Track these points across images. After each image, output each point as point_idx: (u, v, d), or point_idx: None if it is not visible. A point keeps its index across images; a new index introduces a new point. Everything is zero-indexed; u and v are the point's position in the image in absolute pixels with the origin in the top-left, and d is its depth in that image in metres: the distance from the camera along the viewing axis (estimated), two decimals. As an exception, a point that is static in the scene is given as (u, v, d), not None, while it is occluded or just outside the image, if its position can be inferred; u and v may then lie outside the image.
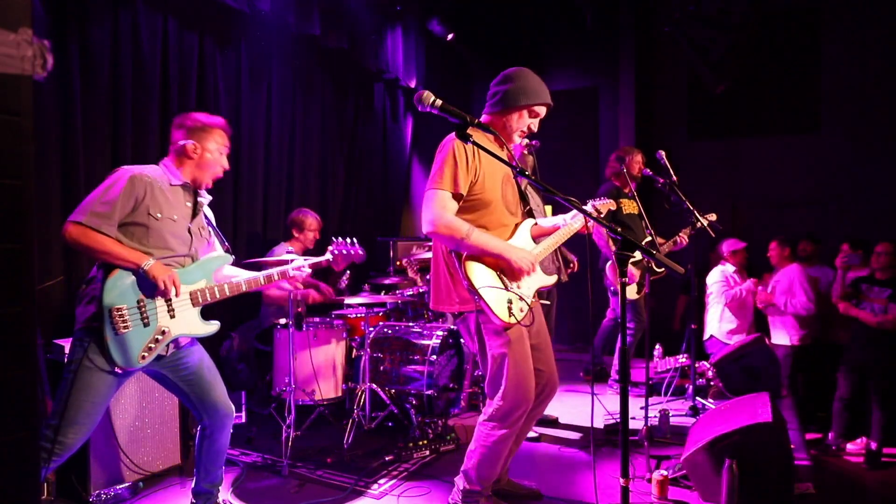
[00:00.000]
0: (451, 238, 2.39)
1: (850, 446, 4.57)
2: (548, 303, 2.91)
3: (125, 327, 2.23)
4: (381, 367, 4.04)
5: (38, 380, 2.69)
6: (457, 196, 2.44)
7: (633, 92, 6.83)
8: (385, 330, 4.19)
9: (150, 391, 3.07)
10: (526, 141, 3.43)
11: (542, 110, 2.63)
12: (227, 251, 2.62)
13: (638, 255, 4.49)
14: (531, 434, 3.76)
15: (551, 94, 2.65)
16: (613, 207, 3.18)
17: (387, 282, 4.95)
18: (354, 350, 4.19)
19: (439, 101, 2.14)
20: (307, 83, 5.46)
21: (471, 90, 7.83)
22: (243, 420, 3.95)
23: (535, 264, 2.51)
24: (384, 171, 6.64)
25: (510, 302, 2.45)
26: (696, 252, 4.29)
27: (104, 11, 3.71)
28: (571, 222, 2.78)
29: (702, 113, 7.11)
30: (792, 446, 2.81)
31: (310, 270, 2.81)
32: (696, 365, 4.45)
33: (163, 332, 2.33)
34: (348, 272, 4.50)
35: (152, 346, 2.30)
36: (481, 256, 2.45)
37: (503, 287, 2.46)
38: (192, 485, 2.61)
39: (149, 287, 2.29)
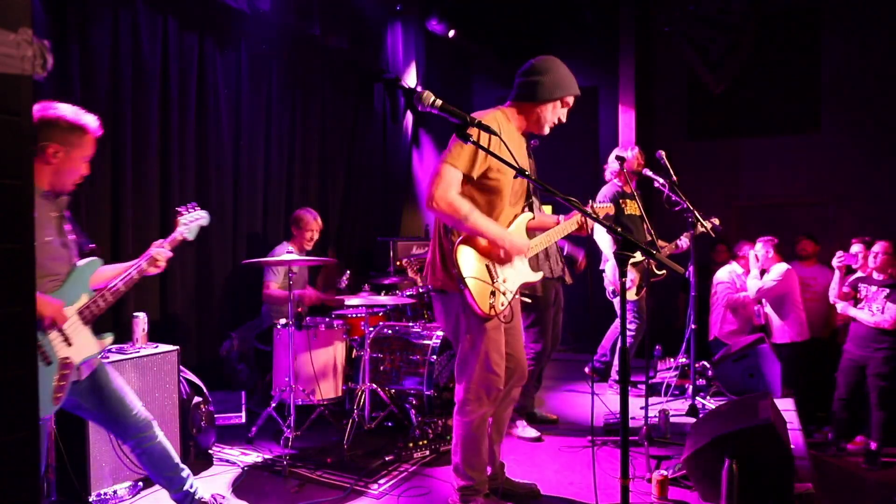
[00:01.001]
0: (451, 216, 2.41)
1: (850, 446, 4.57)
2: (529, 301, 2.92)
3: None
4: (381, 367, 4.04)
5: (37, 380, 2.68)
6: (466, 177, 2.44)
7: (633, 92, 6.84)
8: (385, 330, 4.19)
9: (150, 391, 3.07)
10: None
11: (572, 100, 2.64)
12: (91, 251, 2.40)
13: (638, 256, 4.54)
14: (532, 433, 3.76)
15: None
16: (612, 212, 3.20)
17: (387, 282, 4.95)
18: (354, 350, 4.19)
19: (439, 101, 2.14)
20: (307, 83, 5.46)
21: (471, 90, 7.83)
22: (243, 420, 3.96)
23: (526, 253, 2.57)
24: (384, 172, 6.64)
25: (493, 295, 2.50)
26: (696, 253, 4.29)
27: (104, 11, 3.72)
28: (566, 221, 2.82)
29: (702, 113, 7.12)
30: (792, 446, 2.81)
31: (170, 252, 2.48)
32: (696, 365, 4.44)
33: (66, 365, 2.15)
34: (348, 272, 4.51)
35: (63, 383, 2.13)
36: (474, 245, 2.48)
37: (489, 280, 2.50)
38: (169, 495, 2.55)
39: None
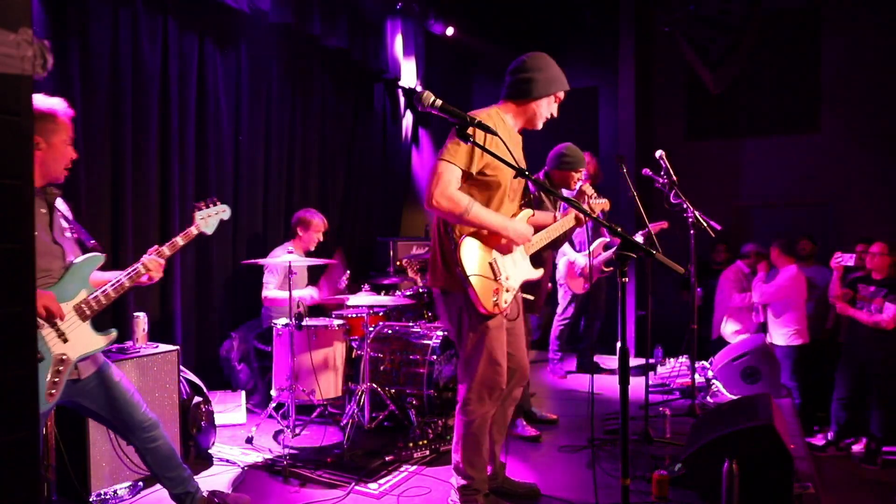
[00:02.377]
0: (452, 212, 2.41)
1: (850, 446, 4.57)
2: (531, 297, 2.97)
3: None
4: (381, 367, 4.04)
5: (37, 380, 2.68)
6: (465, 173, 2.44)
7: (633, 92, 6.84)
8: (385, 330, 4.19)
9: (150, 391, 3.07)
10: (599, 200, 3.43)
11: (563, 95, 2.68)
12: (94, 248, 2.36)
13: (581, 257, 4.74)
14: (532, 434, 3.76)
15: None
16: (607, 208, 3.23)
17: (387, 282, 4.95)
18: (354, 350, 4.19)
19: (439, 101, 2.15)
20: (307, 83, 5.46)
21: (471, 90, 7.83)
22: (243, 420, 3.96)
23: (530, 242, 2.64)
24: (384, 171, 6.65)
25: (496, 292, 2.51)
26: (696, 252, 4.28)
27: (104, 11, 3.72)
28: (565, 217, 2.88)
29: (701, 113, 7.12)
30: (791, 446, 2.81)
31: (167, 253, 2.44)
32: (696, 365, 4.45)
33: (62, 360, 2.12)
34: (348, 272, 4.51)
35: (56, 379, 2.10)
36: (478, 239, 2.51)
37: (493, 277, 2.52)
38: (169, 493, 2.54)
39: None
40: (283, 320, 3.98)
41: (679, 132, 7.19)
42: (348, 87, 6.00)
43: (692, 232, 4.21)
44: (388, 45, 6.11)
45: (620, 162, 4.50)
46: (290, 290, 3.61)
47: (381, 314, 4.55)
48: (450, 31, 6.49)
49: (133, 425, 2.38)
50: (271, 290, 4.28)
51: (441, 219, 2.54)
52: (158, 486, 3.01)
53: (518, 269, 2.67)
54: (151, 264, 2.39)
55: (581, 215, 2.84)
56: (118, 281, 2.31)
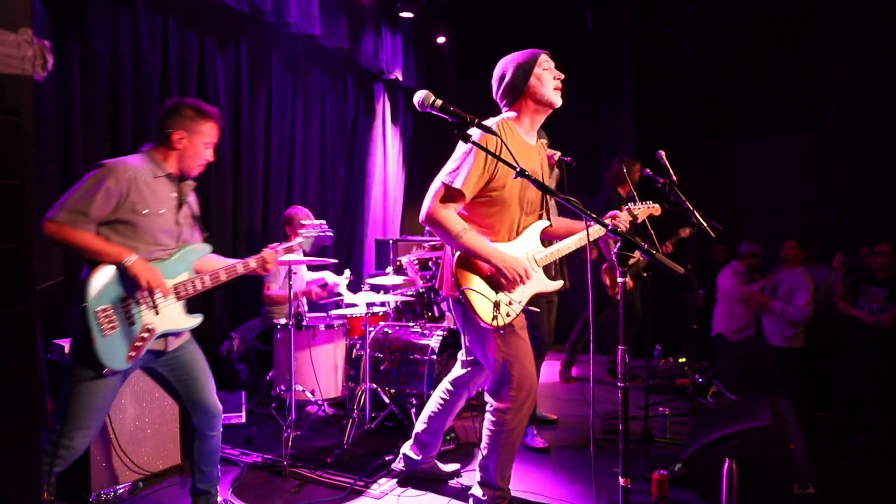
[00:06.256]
0: (444, 234, 2.39)
1: (849, 446, 4.57)
2: (537, 310, 2.82)
3: (112, 328, 2.18)
4: (381, 367, 4.04)
5: (38, 380, 2.69)
6: (460, 194, 2.39)
7: (634, 92, 6.82)
8: (385, 330, 4.18)
9: (149, 391, 3.07)
10: (557, 156, 3.38)
11: (545, 58, 2.57)
12: (204, 240, 2.57)
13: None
14: (541, 445, 3.70)
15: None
16: (657, 212, 3.07)
17: (387, 282, 4.94)
18: (354, 350, 4.19)
19: (439, 101, 2.14)
20: (307, 83, 5.46)
21: (472, 89, 7.83)
22: (243, 420, 3.96)
23: (528, 271, 2.42)
24: (384, 171, 6.64)
25: (497, 306, 2.41)
26: (696, 252, 4.28)
27: (104, 11, 3.72)
28: (578, 236, 2.66)
29: (701, 113, 7.11)
30: (791, 446, 2.81)
31: (282, 256, 2.67)
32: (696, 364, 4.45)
33: (148, 330, 2.28)
34: (348, 271, 4.51)
35: (139, 344, 2.25)
36: (472, 259, 2.43)
37: (491, 292, 2.43)
38: (191, 485, 2.62)
39: (131, 284, 2.22)
40: (283, 320, 3.98)
41: (679, 132, 7.18)
42: (348, 87, 6.00)
43: (692, 232, 4.21)
44: (388, 45, 6.11)
45: (621, 162, 4.51)
46: (289, 291, 3.60)
47: (381, 314, 4.54)
48: (441, 39, 6.52)
49: (199, 405, 2.50)
50: (274, 289, 4.30)
51: None
52: (158, 486, 3.03)
53: (523, 284, 2.48)
54: (270, 258, 2.58)
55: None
56: (231, 266, 2.50)
